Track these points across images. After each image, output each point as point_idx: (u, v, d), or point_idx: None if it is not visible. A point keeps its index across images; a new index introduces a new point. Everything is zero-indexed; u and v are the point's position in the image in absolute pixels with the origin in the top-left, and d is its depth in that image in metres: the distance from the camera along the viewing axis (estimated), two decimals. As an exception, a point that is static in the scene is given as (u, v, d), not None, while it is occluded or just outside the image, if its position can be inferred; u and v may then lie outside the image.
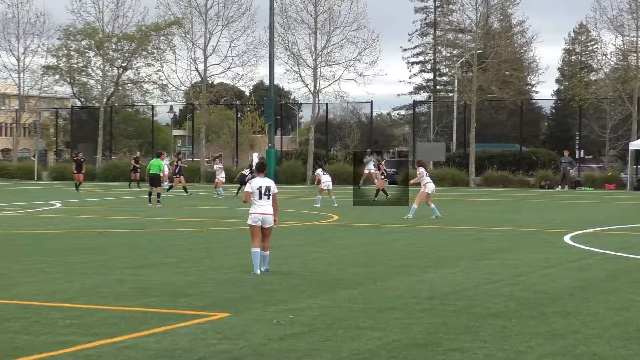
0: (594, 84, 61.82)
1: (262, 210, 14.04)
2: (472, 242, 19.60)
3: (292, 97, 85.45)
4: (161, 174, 33.87)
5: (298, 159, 58.15)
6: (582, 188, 50.04)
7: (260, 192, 14.06)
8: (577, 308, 11.13)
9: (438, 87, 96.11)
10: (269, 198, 14.10)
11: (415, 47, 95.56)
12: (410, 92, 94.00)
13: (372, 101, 62.92)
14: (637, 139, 51.88)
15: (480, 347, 8.88)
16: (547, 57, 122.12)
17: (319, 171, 33.67)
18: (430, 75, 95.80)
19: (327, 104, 61.34)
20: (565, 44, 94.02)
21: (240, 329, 9.75)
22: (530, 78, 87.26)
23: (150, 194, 32.94)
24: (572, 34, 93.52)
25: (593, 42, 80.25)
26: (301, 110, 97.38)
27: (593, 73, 76.49)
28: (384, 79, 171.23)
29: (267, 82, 62.22)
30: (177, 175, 41.14)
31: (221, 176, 39.97)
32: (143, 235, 21.25)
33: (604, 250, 17.92)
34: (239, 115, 76.07)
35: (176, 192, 40.65)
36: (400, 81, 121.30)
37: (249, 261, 14.38)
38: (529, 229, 23.25)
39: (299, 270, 14.78)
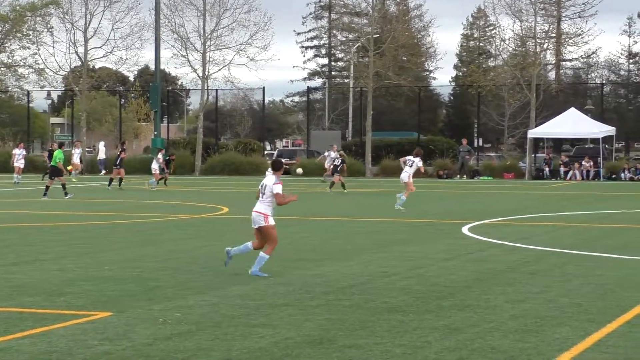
0: (493, 71, 62.60)
1: (254, 209, 13.43)
2: (369, 235, 19.51)
3: (179, 82, 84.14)
4: (58, 165, 31.91)
5: (186, 149, 56.97)
6: (481, 177, 49.97)
7: (259, 191, 13.60)
8: (476, 301, 11.20)
9: (333, 72, 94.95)
10: (264, 196, 13.48)
11: (310, 30, 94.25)
12: (305, 78, 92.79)
13: (264, 87, 61.65)
14: (536, 126, 51.97)
15: (377, 343, 8.83)
16: (446, 43, 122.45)
17: None
18: (325, 61, 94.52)
19: (216, 90, 60.11)
20: (464, 29, 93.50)
21: (123, 328, 9.52)
22: (428, 64, 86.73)
23: (47, 187, 31.59)
24: (471, 19, 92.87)
25: (491, 27, 79.91)
26: (189, 97, 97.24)
27: (491, 59, 76.29)
28: (277, 64, 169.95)
29: (152, 66, 61.34)
30: (117, 167, 37.60)
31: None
32: (19, 230, 20.36)
33: (502, 241, 17.95)
34: (122, 102, 74.94)
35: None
36: (293, 67, 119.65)
37: (132, 256, 14.54)
38: (427, 220, 23.23)
39: (187, 265, 14.36)
